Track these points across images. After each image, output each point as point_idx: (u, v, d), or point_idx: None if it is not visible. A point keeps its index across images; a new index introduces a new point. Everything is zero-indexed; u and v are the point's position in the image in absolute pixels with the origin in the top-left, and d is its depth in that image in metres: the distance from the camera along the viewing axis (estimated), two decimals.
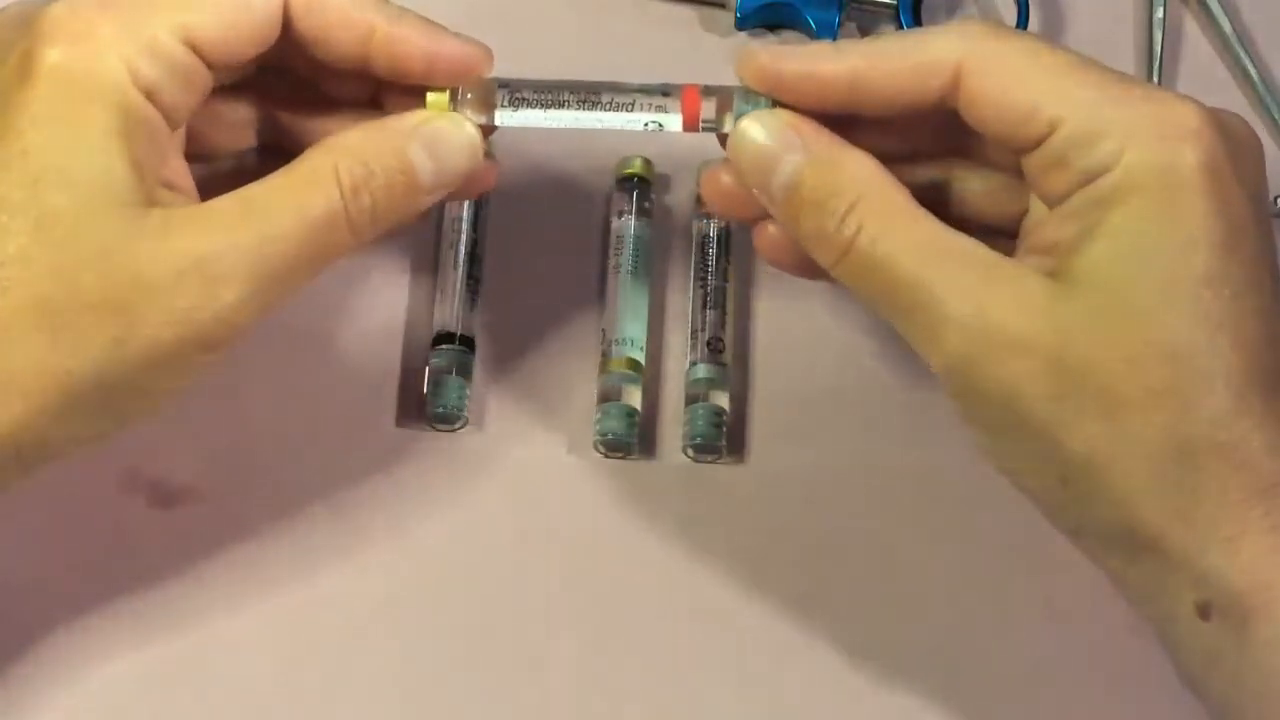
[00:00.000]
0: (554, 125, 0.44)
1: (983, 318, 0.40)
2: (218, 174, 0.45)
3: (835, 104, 0.42)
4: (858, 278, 0.42)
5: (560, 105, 0.44)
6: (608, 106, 0.44)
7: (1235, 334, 0.39)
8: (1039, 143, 0.41)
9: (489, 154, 0.45)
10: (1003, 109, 0.41)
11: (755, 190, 0.43)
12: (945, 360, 0.41)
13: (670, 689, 0.48)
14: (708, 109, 0.44)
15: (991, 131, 0.42)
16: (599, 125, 0.44)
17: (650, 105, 0.44)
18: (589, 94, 0.44)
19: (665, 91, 0.44)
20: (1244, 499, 0.39)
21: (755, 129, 0.42)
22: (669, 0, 0.56)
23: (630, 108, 0.44)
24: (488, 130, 0.44)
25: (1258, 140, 0.42)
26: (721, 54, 0.55)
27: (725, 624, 0.48)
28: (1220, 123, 0.40)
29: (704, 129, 0.44)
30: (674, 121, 0.44)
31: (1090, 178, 0.40)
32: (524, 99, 0.44)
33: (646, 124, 0.44)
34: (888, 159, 0.42)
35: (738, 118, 0.43)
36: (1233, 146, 0.40)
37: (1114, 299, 0.39)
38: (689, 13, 0.56)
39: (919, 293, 0.40)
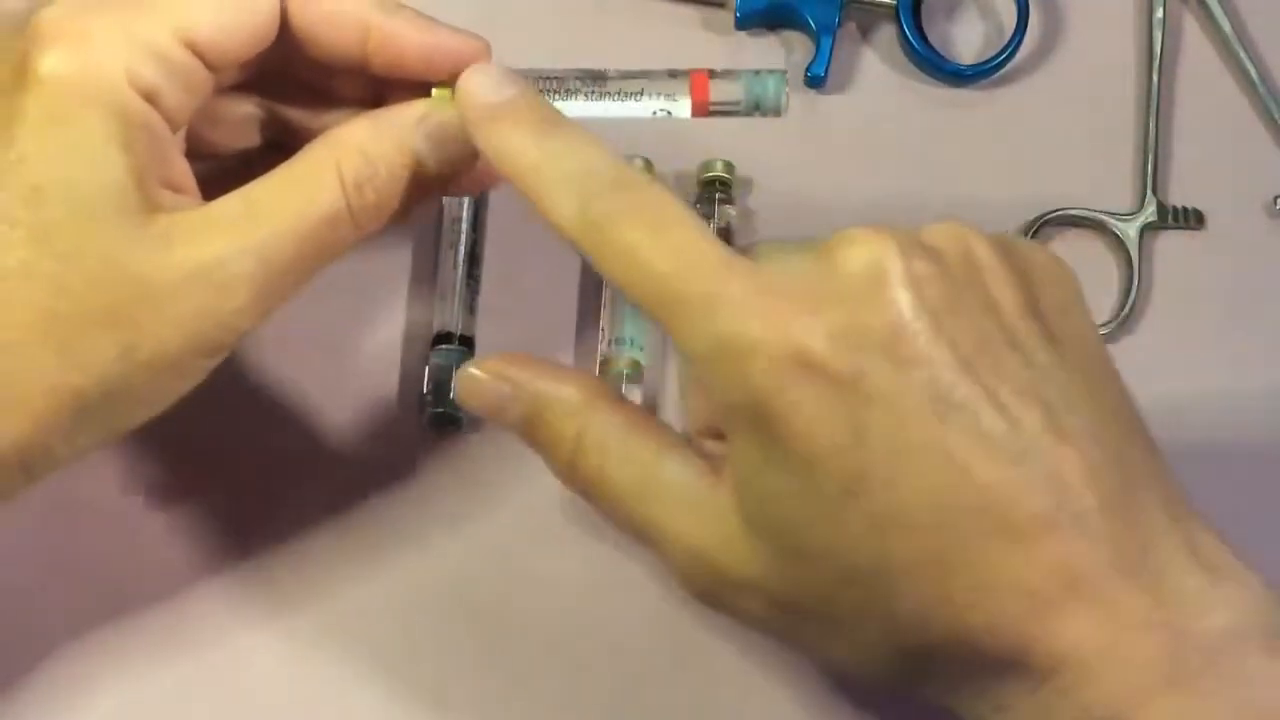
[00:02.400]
0: None
1: (702, 565, 0.40)
2: (222, 168, 0.45)
3: None
4: (598, 503, 0.42)
5: (568, 94, 0.44)
6: (615, 95, 0.44)
7: (905, 524, 0.37)
8: None
9: None
10: None
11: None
12: (685, 592, 0.42)
13: (671, 688, 0.48)
14: (717, 92, 0.44)
15: None
16: (607, 114, 0.44)
17: (658, 92, 0.44)
18: (596, 82, 0.44)
19: (673, 74, 0.44)
20: (973, 672, 0.38)
21: (473, 378, 0.43)
22: (669, 0, 0.56)
23: (639, 96, 0.44)
24: None
25: (896, 265, 0.38)
26: (722, 54, 0.55)
27: (725, 623, 0.48)
28: (805, 301, 0.38)
29: (713, 113, 0.44)
30: (683, 108, 0.44)
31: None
32: None
33: (655, 111, 0.44)
34: None
35: (752, 101, 0.43)
36: (828, 321, 0.37)
37: (783, 545, 0.39)
38: (689, 12, 0.56)
39: (648, 531, 0.41)
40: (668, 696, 0.48)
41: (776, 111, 0.44)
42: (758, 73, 0.43)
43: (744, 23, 0.55)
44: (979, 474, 0.37)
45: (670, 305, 0.39)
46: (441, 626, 0.48)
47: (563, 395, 0.42)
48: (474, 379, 0.43)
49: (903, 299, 0.38)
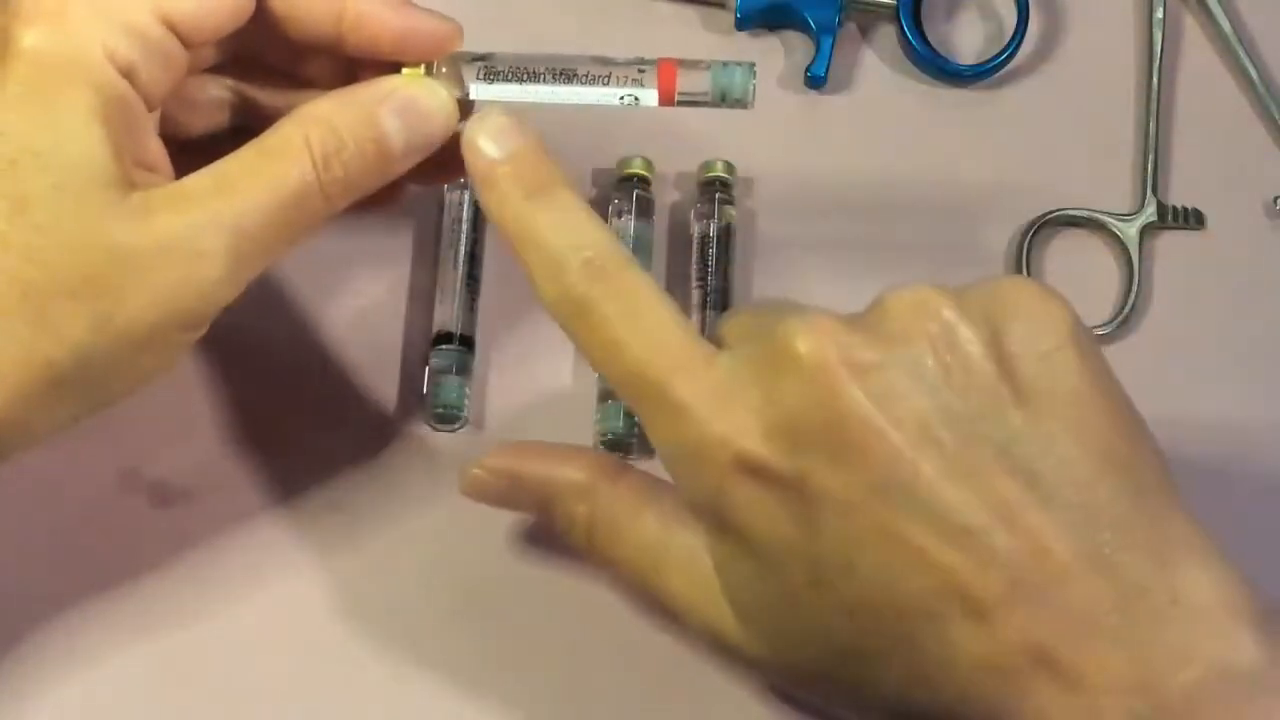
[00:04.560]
0: (530, 99, 0.44)
1: (714, 640, 0.42)
2: (188, 151, 0.44)
3: None
4: (619, 577, 0.45)
5: (535, 79, 0.44)
6: (584, 80, 0.44)
7: (871, 609, 0.38)
8: None
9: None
10: None
11: None
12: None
13: (668, 689, 0.48)
14: (684, 82, 0.44)
15: None
16: (575, 99, 0.44)
17: (626, 79, 0.44)
18: (564, 67, 0.44)
19: (642, 66, 0.44)
20: None
21: (477, 477, 0.45)
22: (669, 0, 0.56)
23: (606, 81, 0.44)
24: (464, 105, 0.44)
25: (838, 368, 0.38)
26: (722, 54, 0.54)
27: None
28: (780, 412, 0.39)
29: (680, 103, 0.44)
30: (650, 96, 0.44)
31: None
32: (499, 72, 0.44)
33: (622, 98, 0.44)
34: None
35: (718, 92, 0.43)
36: (792, 425, 0.38)
37: (767, 630, 0.40)
38: (689, 13, 0.56)
39: (667, 604, 0.43)
40: (662, 694, 0.48)
41: (744, 103, 0.44)
42: (725, 64, 0.43)
43: (744, 23, 0.55)
44: (934, 556, 0.37)
45: (639, 402, 0.41)
46: (442, 625, 0.48)
47: (569, 478, 0.44)
48: (478, 478, 0.45)
49: (841, 391, 0.38)
